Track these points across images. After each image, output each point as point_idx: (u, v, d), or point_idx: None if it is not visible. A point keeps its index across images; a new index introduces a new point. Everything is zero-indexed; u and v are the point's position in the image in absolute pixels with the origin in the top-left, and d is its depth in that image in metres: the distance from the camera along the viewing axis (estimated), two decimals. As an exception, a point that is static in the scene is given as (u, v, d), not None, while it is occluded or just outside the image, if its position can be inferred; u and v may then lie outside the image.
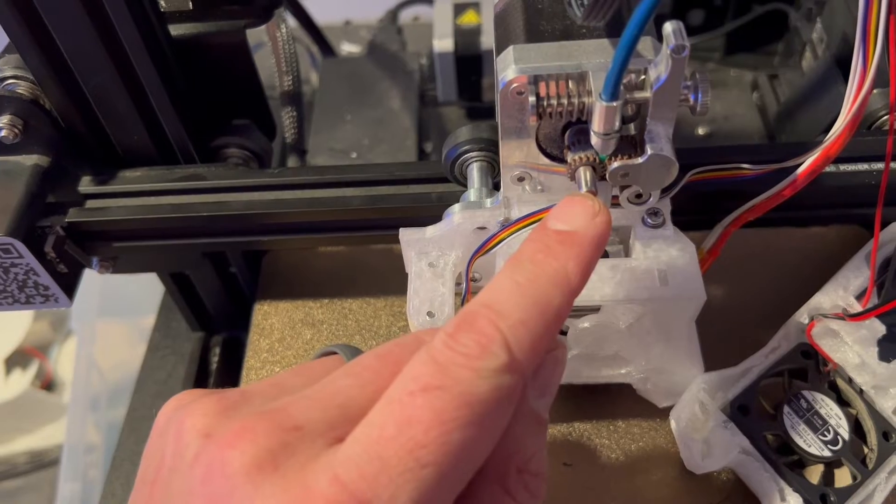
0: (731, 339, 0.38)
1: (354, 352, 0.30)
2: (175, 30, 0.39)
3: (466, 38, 0.60)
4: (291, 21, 0.68)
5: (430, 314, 0.34)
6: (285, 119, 0.49)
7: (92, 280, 0.80)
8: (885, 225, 0.37)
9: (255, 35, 0.71)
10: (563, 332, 0.35)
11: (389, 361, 0.24)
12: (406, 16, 0.80)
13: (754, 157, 0.35)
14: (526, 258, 0.24)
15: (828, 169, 0.38)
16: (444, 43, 0.59)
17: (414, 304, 0.34)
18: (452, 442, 0.21)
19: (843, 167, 0.38)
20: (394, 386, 0.22)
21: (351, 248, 0.49)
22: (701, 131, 0.63)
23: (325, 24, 0.77)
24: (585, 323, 0.33)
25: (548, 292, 0.23)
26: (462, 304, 0.35)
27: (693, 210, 0.38)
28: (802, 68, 0.60)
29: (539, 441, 0.26)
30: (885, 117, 0.41)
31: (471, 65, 0.61)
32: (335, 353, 0.30)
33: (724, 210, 0.37)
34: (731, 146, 0.38)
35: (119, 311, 0.82)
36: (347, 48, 0.79)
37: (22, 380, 1.05)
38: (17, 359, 1.09)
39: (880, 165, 0.37)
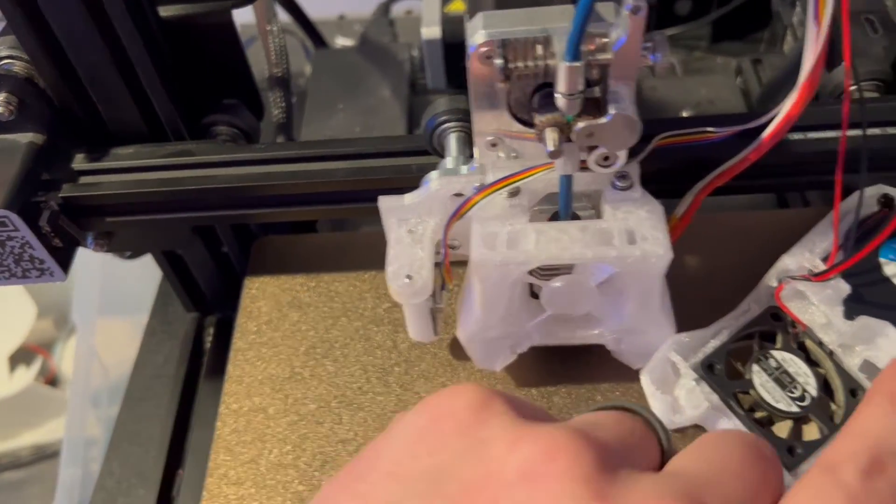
0: (706, 304, 0.39)
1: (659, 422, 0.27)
2: (164, 11, 0.40)
3: (454, 26, 0.61)
4: (285, 16, 0.70)
5: (408, 277, 0.35)
6: (274, 102, 0.50)
7: (93, 274, 0.82)
8: (849, 192, 0.38)
9: (249, 30, 0.73)
10: (535, 295, 0.36)
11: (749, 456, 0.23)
12: (399, 9, 0.81)
13: (720, 124, 0.36)
14: None
15: (796, 136, 0.39)
16: (431, 30, 0.61)
17: (393, 269, 0.35)
18: None
19: (812, 135, 0.39)
20: None
21: (338, 233, 0.51)
22: (685, 115, 0.64)
23: (319, 18, 0.79)
24: (557, 283, 0.34)
25: None
26: (441, 269, 0.37)
27: (667, 179, 0.39)
28: (784, 52, 0.61)
29: None
30: (853, 87, 0.42)
31: (459, 52, 0.61)
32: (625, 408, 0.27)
33: (696, 178, 0.38)
34: (699, 116, 0.39)
35: (123, 309, 0.83)
36: (341, 42, 0.81)
37: (26, 376, 1.07)
38: (22, 356, 1.10)
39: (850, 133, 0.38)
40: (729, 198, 0.57)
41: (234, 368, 0.43)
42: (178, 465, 0.50)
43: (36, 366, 1.09)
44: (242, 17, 0.50)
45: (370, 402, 0.41)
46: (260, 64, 0.53)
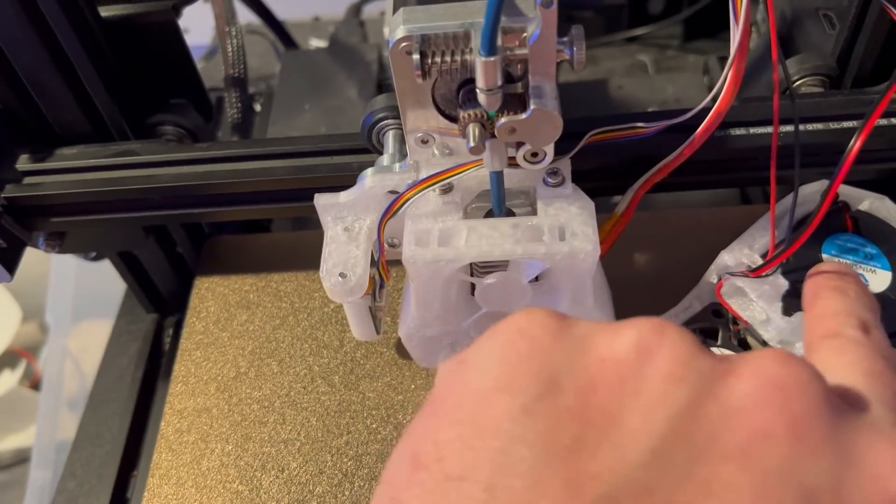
0: (651, 301, 0.39)
1: None
2: (105, 11, 0.40)
3: (417, 26, 0.61)
4: (255, 18, 0.70)
5: (342, 275, 0.35)
6: (230, 102, 0.50)
7: (67, 277, 0.82)
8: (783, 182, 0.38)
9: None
10: (472, 292, 0.36)
11: None
12: (372, 10, 0.81)
13: (650, 120, 0.36)
14: None
15: (739, 132, 0.39)
16: (393, 30, 0.61)
17: (327, 266, 0.35)
18: None
19: (753, 130, 0.39)
20: None
21: (289, 233, 0.50)
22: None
23: (293, 20, 0.79)
24: (491, 279, 0.34)
25: None
26: (378, 267, 0.37)
27: (606, 177, 0.39)
28: (751, 48, 0.61)
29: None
30: (798, 82, 0.42)
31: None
32: None
33: (636, 176, 0.38)
34: (628, 114, 0.39)
35: (101, 313, 0.83)
36: (315, 43, 0.81)
37: (9, 379, 1.07)
38: (6, 359, 1.10)
39: (788, 128, 0.38)
40: (691, 195, 0.57)
41: (180, 368, 0.43)
42: (134, 467, 0.50)
43: (20, 369, 1.09)
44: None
45: (314, 401, 0.40)
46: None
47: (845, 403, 0.21)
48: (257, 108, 0.68)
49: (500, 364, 0.21)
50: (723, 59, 0.66)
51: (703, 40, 0.73)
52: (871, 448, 0.20)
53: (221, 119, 0.55)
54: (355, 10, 0.78)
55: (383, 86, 0.68)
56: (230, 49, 0.53)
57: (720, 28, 0.72)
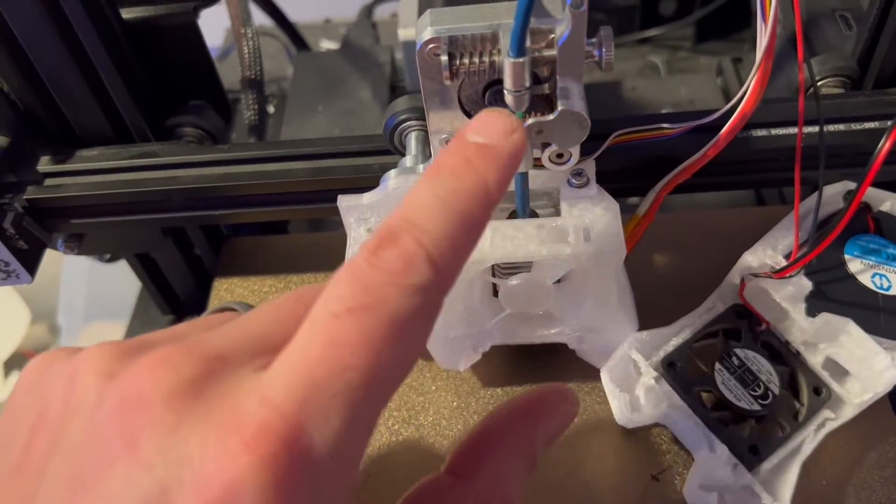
0: (673, 302, 0.39)
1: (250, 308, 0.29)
2: (127, 13, 0.41)
3: (431, 27, 0.62)
4: (265, 19, 0.70)
5: (366, 277, 0.35)
6: (247, 104, 0.50)
7: (79, 278, 0.82)
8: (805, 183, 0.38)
9: (232, 36, 0.73)
10: (496, 293, 0.36)
11: (302, 301, 0.23)
12: (383, 12, 0.82)
13: (675, 121, 0.36)
14: (446, 171, 0.23)
15: (760, 133, 0.39)
16: (408, 31, 0.61)
17: (351, 268, 0.35)
18: (381, 363, 0.20)
19: (775, 131, 0.39)
20: (317, 307, 0.21)
21: (307, 234, 0.50)
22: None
23: (304, 22, 0.79)
24: (515, 280, 0.34)
25: (469, 206, 0.23)
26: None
27: (628, 178, 0.39)
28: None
29: (525, 480, 0.26)
30: (819, 83, 0.42)
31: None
32: (233, 310, 0.29)
33: (658, 176, 0.38)
34: (654, 114, 0.39)
35: (111, 314, 0.83)
36: (326, 45, 0.81)
37: (19, 381, 1.07)
38: (16, 361, 1.10)
39: (810, 129, 0.38)
40: (707, 196, 0.57)
41: (200, 370, 0.42)
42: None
43: (29, 371, 1.09)
44: (229, 21, 0.51)
45: (334, 402, 0.40)
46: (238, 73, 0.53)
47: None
48: (270, 109, 0.69)
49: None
50: (736, 61, 0.66)
51: (715, 42, 0.73)
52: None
53: (235, 120, 0.55)
54: (367, 12, 0.78)
55: (396, 87, 0.68)
56: (246, 51, 0.52)
57: (732, 30, 0.72)
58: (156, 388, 0.20)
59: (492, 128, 0.24)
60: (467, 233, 0.23)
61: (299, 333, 0.21)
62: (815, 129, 0.36)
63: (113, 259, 0.55)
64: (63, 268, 0.82)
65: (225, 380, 0.20)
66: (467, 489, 0.25)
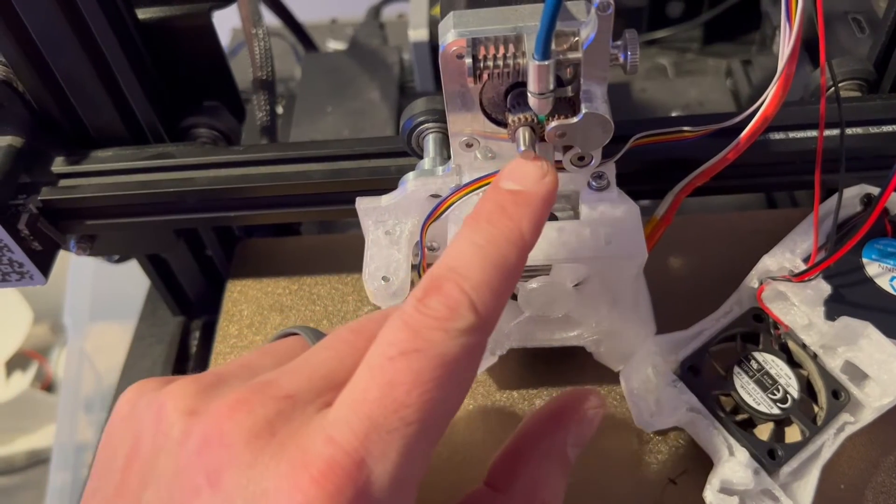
0: (690, 306, 0.39)
1: (316, 333, 0.31)
2: (142, 13, 0.40)
3: (441, 28, 0.61)
4: (276, 20, 0.70)
5: (385, 279, 0.35)
6: (258, 104, 0.50)
7: (85, 279, 0.82)
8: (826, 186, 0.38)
9: (239, 35, 0.73)
10: (515, 296, 0.36)
11: (363, 335, 0.25)
12: (390, 13, 0.81)
13: (697, 123, 0.36)
14: (483, 219, 0.26)
15: (778, 136, 0.39)
16: (418, 32, 0.61)
17: (370, 270, 0.35)
18: (432, 400, 0.22)
19: (793, 134, 0.39)
20: (371, 352, 0.23)
21: (321, 236, 0.50)
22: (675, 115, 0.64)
23: (311, 22, 0.79)
24: (534, 284, 0.34)
25: (505, 252, 0.25)
26: (418, 271, 0.36)
27: (647, 180, 0.39)
28: (774, 52, 0.61)
29: (563, 483, 0.28)
30: (839, 86, 0.42)
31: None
32: (296, 334, 0.31)
33: (676, 179, 0.38)
34: (675, 117, 0.39)
35: (117, 314, 0.83)
36: (333, 45, 0.81)
37: (22, 381, 1.07)
38: (18, 361, 1.10)
39: (830, 132, 0.38)
40: (718, 199, 0.57)
41: (214, 372, 0.42)
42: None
43: (32, 371, 1.09)
44: (235, 21, 0.51)
45: (350, 405, 0.40)
46: (249, 67, 0.53)
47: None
48: (279, 110, 0.68)
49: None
50: (746, 63, 0.66)
51: (722, 44, 0.73)
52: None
53: (245, 121, 0.54)
54: (375, 13, 0.78)
55: (405, 88, 0.68)
56: (258, 51, 0.52)
57: (739, 31, 0.72)
58: (234, 429, 0.23)
59: (524, 174, 0.27)
60: (505, 278, 0.25)
61: (357, 374, 0.23)
62: (833, 132, 0.36)
63: (122, 260, 0.54)
64: (69, 267, 0.82)
65: (294, 418, 0.23)
66: (506, 499, 0.27)
